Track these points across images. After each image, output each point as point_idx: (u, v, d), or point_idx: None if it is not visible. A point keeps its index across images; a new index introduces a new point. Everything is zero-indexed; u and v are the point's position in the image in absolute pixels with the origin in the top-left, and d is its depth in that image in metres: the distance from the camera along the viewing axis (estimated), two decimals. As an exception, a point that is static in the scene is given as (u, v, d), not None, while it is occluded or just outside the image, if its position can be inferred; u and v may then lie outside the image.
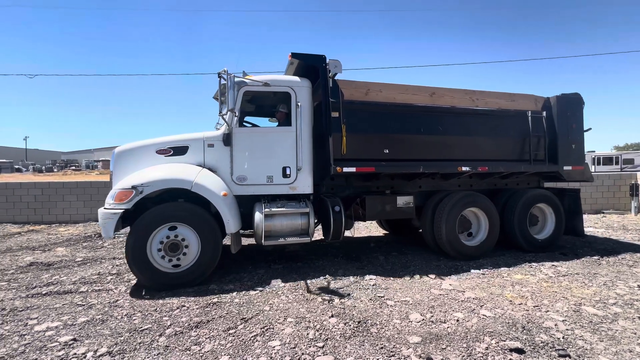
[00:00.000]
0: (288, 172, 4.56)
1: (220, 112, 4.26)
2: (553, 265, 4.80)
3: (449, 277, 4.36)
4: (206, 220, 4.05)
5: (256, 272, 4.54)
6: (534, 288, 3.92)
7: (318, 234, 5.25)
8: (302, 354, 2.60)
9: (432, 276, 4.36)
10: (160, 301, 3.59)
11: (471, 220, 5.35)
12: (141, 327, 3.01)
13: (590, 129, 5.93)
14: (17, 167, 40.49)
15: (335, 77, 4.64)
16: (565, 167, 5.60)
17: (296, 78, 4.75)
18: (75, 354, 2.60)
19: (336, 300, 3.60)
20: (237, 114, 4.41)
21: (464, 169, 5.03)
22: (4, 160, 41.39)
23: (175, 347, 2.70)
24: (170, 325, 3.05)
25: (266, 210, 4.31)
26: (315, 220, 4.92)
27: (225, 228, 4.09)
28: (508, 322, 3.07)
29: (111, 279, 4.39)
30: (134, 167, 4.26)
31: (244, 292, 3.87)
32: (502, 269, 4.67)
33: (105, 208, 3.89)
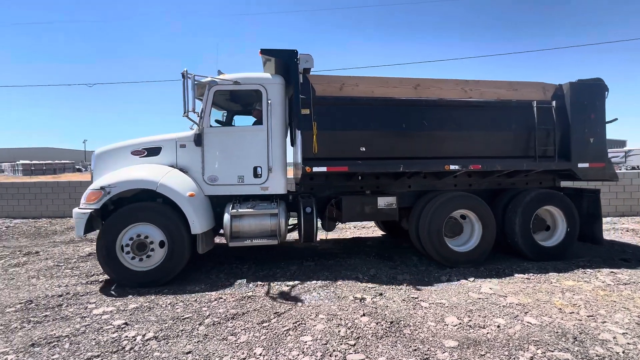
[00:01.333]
0: (259, 172, 4.44)
1: (184, 112, 3.98)
2: (612, 272, 4.33)
3: (489, 280, 4.12)
4: (172, 220, 4.03)
5: (288, 269, 4.62)
6: (588, 296, 3.57)
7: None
8: (334, 350, 2.61)
9: (471, 279, 4.14)
10: (200, 292, 3.81)
11: (463, 224, 4.86)
12: (183, 316, 3.22)
13: (616, 119, 5.09)
14: (77, 167, 45.15)
15: (311, 73, 4.39)
16: (580, 165, 4.84)
17: (267, 75, 4.61)
18: (126, 336, 2.85)
19: (368, 299, 3.56)
20: (199, 114, 4.26)
21: (452, 167, 4.53)
22: (67, 162, 46.31)
23: (214, 336, 2.84)
24: (208, 315, 3.23)
25: (233, 211, 4.25)
26: (294, 222, 4.78)
27: (191, 228, 4.03)
28: (557, 332, 2.83)
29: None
30: (111, 168, 4.36)
31: (277, 286, 3.97)
32: (551, 274, 4.30)
33: (79, 208, 4.03)
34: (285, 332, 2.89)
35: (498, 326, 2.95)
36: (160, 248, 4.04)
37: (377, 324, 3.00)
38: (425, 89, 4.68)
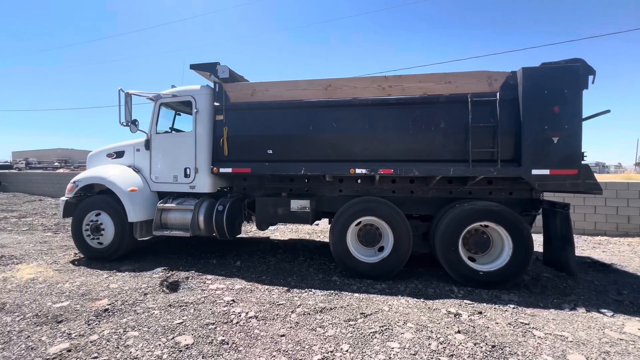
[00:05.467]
0: (188, 173, 5.02)
1: (119, 122, 4.77)
2: None
3: (637, 318, 3.19)
4: (118, 210, 4.92)
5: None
6: None
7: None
8: (423, 363, 2.45)
9: (608, 313, 3.30)
10: (293, 282, 4.12)
11: (383, 233, 4.44)
12: (277, 302, 3.54)
13: (607, 111, 4.10)
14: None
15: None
16: (535, 171, 3.84)
17: (196, 87, 5.05)
18: (234, 312, 3.31)
19: (464, 315, 3.22)
20: (129, 124, 4.84)
21: (358, 171, 4.28)
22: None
23: (304, 325, 3.04)
24: (299, 305, 3.47)
25: (159, 205, 4.99)
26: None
27: (128, 217, 4.84)
28: None
29: (257, 258, 5.35)
30: (95, 167, 5.40)
31: (364, 287, 3.98)
32: None
33: (64, 197, 5.25)
34: (371, 334, 2.87)
35: (652, 380, 2.26)
36: (110, 231, 5.00)
37: (475, 344, 2.69)
38: (336, 90, 4.45)
